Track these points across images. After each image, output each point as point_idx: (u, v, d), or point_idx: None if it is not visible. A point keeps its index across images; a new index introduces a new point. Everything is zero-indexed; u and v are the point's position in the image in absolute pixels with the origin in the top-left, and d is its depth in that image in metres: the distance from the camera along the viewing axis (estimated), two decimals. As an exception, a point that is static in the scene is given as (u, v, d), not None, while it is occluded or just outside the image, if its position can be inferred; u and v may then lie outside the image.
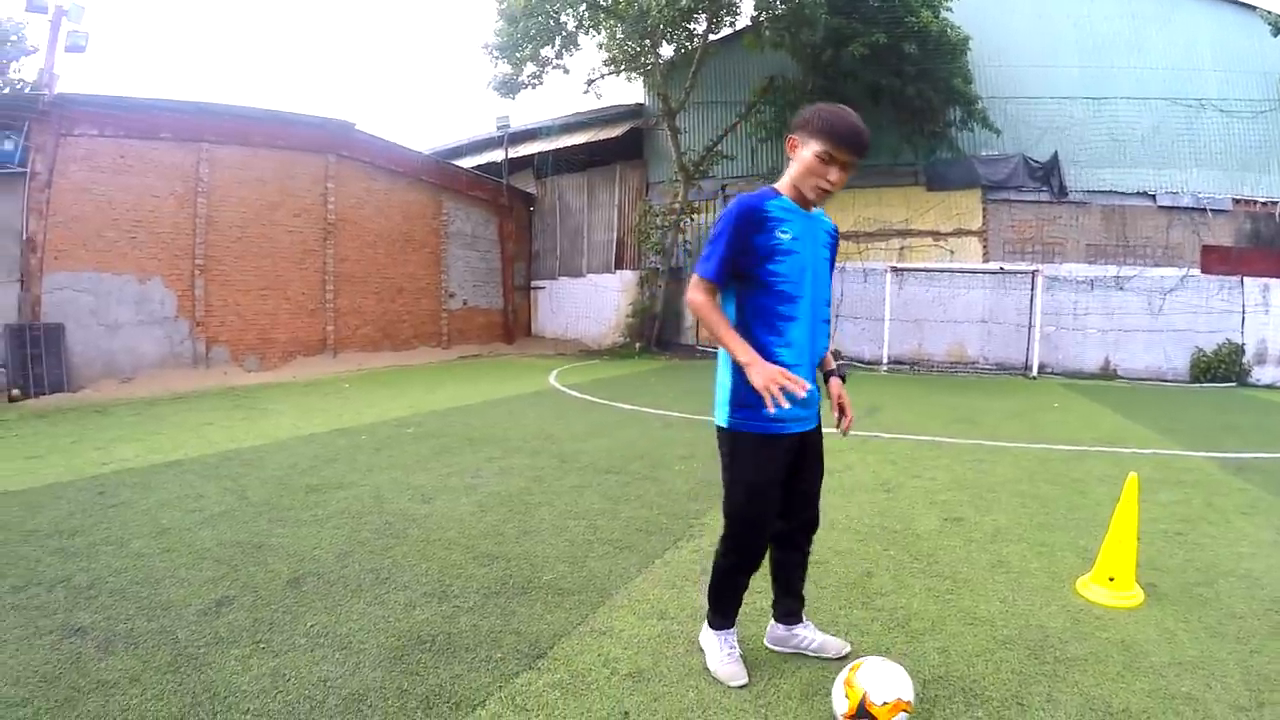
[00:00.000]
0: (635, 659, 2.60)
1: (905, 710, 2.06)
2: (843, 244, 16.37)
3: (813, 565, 3.27)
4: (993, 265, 15.11)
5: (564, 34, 16.52)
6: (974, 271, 15.27)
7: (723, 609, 2.43)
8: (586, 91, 18.13)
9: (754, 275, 2.17)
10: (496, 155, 21.65)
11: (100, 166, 11.21)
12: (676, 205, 17.31)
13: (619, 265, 20.40)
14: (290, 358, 14.00)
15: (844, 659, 2.44)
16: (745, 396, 2.16)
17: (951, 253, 15.70)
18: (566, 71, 17.35)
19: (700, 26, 16.44)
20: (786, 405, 2.02)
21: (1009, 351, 15.05)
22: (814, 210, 2.28)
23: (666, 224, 17.40)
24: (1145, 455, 6.50)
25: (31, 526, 4.15)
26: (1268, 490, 5.20)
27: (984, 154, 15.40)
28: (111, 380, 11.19)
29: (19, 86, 12.20)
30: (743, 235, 2.13)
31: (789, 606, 2.58)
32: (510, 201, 21.15)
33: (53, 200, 10.68)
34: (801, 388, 2.01)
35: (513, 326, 21.10)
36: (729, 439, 2.27)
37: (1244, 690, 2.39)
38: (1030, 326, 14.38)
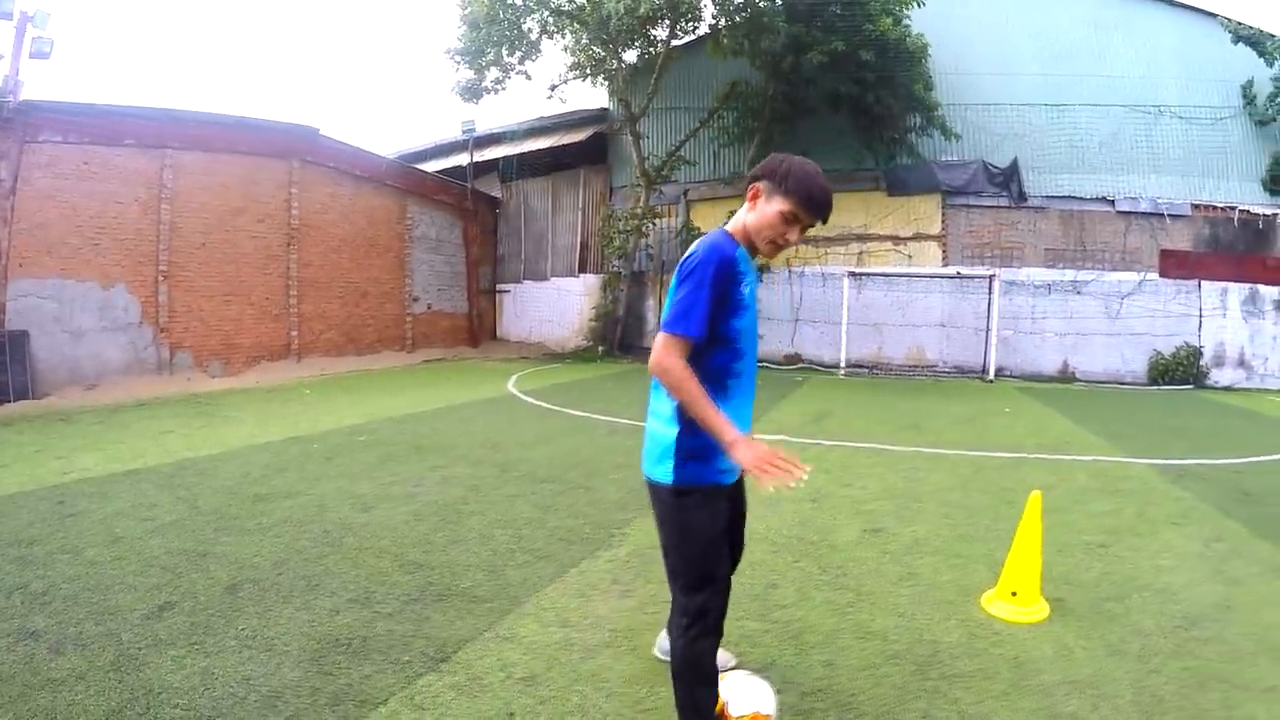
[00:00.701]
0: (531, 664, 2.84)
1: None
2: (802, 248, 16.90)
3: None
4: (950, 270, 15.60)
5: (526, 41, 16.75)
6: (932, 276, 15.73)
7: (701, 711, 2.10)
8: (550, 97, 18.41)
9: (716, 332, 2.02)
10: (462, 159, 21.83)
11: (64, 173, 11.29)
12: (638, 210, 17.66)
13: (582, 269, 20.70)
14: (254, 363, 14.17)
15: (732, 669, 2.52)
16: (694, 449, 2.02)
17: (909, 257, 16.18)
18: (529, 77, 17.61)
19: (662, 33, 16.75)
20: (791, 484, 1.86)
21: (967, 355, 15.55)
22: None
23: (629, 228, 17.75)
24: (1085, 462, 6.59)
25: None
26: (1203, 499, 5.22)
27: (944, 159, 15.84)
28: (76, 387, 11.31)
29: None
30: (723, 289, 1.99)
31: None
32: (475, 205, 21.34)
33: (16, 207, 10.75)
34: (800, 470, 1.85)
35: (477, 330, 21.27)
36: (674, 495, 2.06)
37: (1134, 712, 2.36)
38: (988, 330, 14.86)
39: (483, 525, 4.67)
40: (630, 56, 17.45)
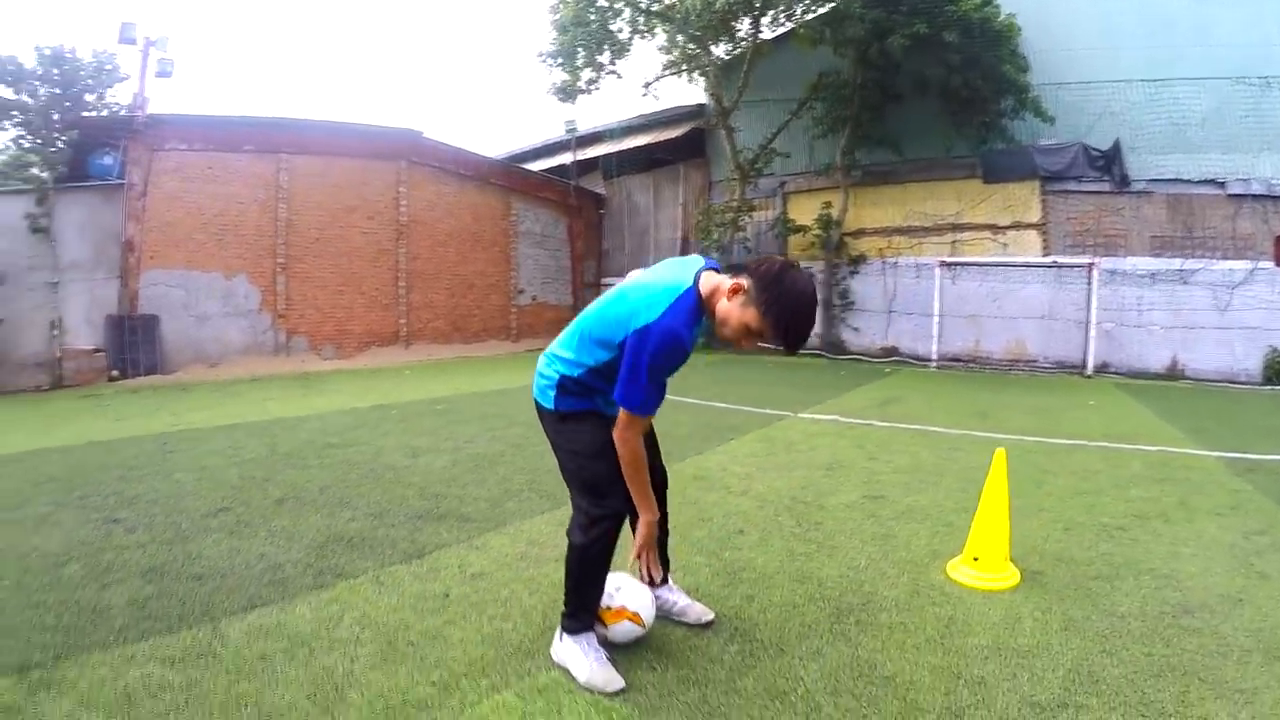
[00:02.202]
0: (484, 565, 3.27)
1: (630, 620, 2.35)
2: (895, 238, 16.58)
3: (696, 521, 3.89)
4: (1046, 259, 14.80)
5: (615, 41, 17.28)
6: (1027, 265, 14.93)
7: (585, 604, 2.30)
8: (645, 94, 18.87)
9: None
10: (566, 158, 22.71)
11: (189, 177, 12.92)
12: (734, 203, 17.79)
13: None
14: (365, 348, 15.47)
15: (704, 626, 2.59)
16: (574, 390, 2.28)
17: (1005, 245, 15.47)
18: (619, 77, 18.12)
19: (747, 27, 16.83)
20: (646, 579, 2.42)
21: (1069, 349, 14.60)
22: None
23: (725, 222, 17.90)
24: (1147, 452, 6.14)
25: (106, 463, 5.34)
26: (1263, 492, 4.80)
27: (1041, 143, 15.04)
28: (200, 365, 12.90)
29: (115, 110, 14.14)
30: (671, 367, 2.13)
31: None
32: (579, 202, 22.05)
33: (148, 207, 12.43)
34: (647, 574, 2.40)
35: None
36: (558, 419, 2.31)
37: (1057, 688, 2.19)
38: (1087, 323, 14.00)
39: (507, 472, 5.09)
40: (721, 51, 17.60)
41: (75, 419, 7.84)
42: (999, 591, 2.98)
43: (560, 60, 17.21)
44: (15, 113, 12.85)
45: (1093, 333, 13.55)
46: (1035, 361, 14.66)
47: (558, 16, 16.52)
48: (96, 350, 12.16)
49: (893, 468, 5.33)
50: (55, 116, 12.67)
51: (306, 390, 10.25)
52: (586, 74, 17.56)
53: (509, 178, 19.44)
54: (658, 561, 2.35)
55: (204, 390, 10.45)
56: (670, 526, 2.76)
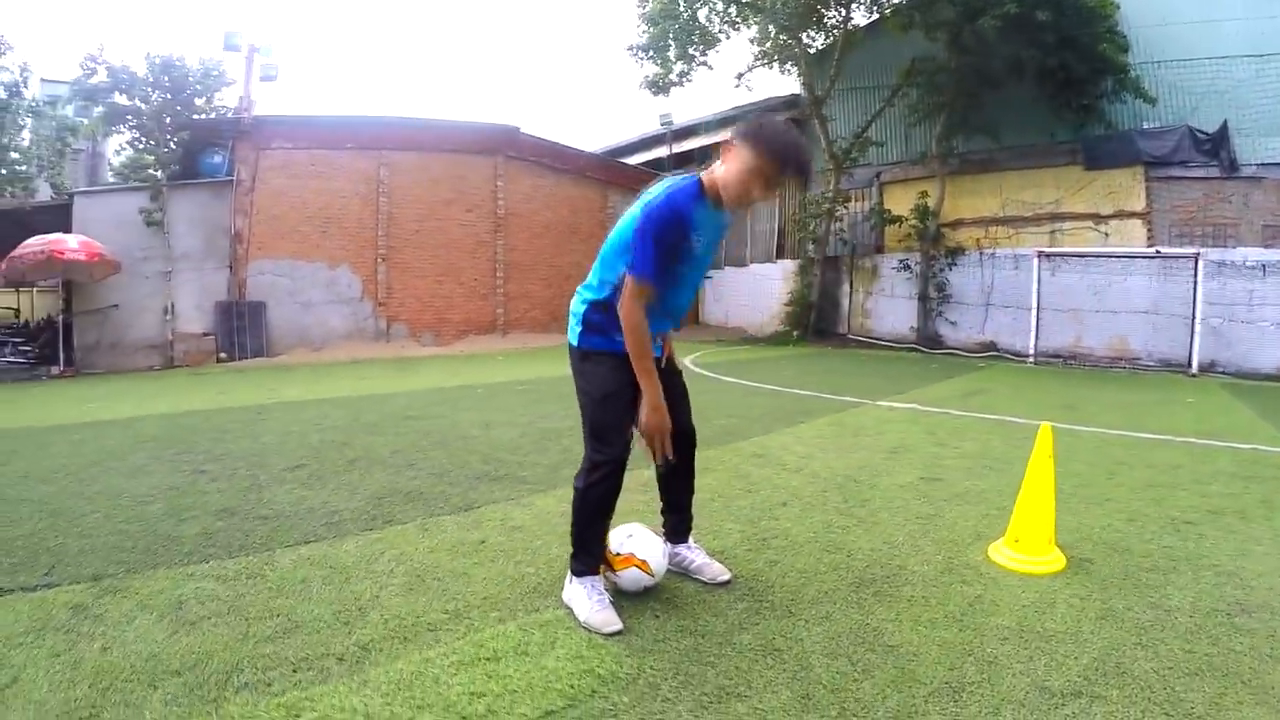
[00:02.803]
0: (525, 520, 3.39)
1: (639, 567, 2.39)
2: (993, 228, 15.80)
3: (742, 492, 3.89)
4: (1149, 249, 13.72)
5: (703, 33, 17.25)
6: (1129, 256, 13.85)
7: (587, 546, 2.35)
8: (738, 85, 18.77)
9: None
10: (662, 152, 22.85)
11: (294, 173, 13.92)
12: (829, 194, 17.44)
13: (780, 255, 20.60)
14: (463, 336, 16.12)
15: (722, 585, 2.58)
16: (597, 324, 2.34)
17: (1107, 235, 14.44)
18: (711, 69, 18.09)
19: (837, 15, 16.46)
20: (662, 459, 2.30)
21: (1175, 347, 13.36)
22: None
23: (820, 213, 17.57)
24: (1239, 449, 5.61)
25: (202, 427, 5.97)
26: None
27: (1144, 126, 13.98)
28: (304, 349, 13.88)
29: (223, 112, 15.33)
30: (671, 241, 2.19)
31: (673, 523, 2.69)
32: None
33: (255, 202, 13.50)
34: (670, 448, 2.31)
35: None
36: (580, 357, 2.39)
37: (1075, 675, 2.04)
38: (1192, 318, 12.87)
39: (570, 443, 5.18)
40: (814, 40, 17.26)
41: (181, 392, 8.75)
42: (1037, 575, 2.79)
43: (651, 53, 17.33)
44: (130, 118, 14.20)
45: (1198, 329, 12.40)
46: (1138, 359, 13.53)
47: (646, 9, 16.64)
48: (205, 334, 13.31)
49: (959, 454, 5.10)
50: (167, 120, 13.95)
51: (400, 372, 10.81)
52: (678, 66, 17.60)
53: (605, 171, 19.73)
54: (669, 447, 2.30)
55: (304, 371, 11.24)
56: (696, 487, 2.76)
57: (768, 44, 17.22)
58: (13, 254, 11.63)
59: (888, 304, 17.40)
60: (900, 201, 16.66)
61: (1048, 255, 14.17)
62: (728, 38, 17.53)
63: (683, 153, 22.69)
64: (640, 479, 3.26)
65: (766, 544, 3.08)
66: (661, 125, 22.61)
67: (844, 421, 6.41)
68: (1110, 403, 8.32)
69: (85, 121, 15.19)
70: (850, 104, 17.71)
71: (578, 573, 2.35)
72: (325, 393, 8.24)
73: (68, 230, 12.20)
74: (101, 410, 7.07)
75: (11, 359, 12.67)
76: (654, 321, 2.31)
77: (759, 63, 17.64)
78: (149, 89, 13.91)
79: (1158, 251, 13.12)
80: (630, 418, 2.32)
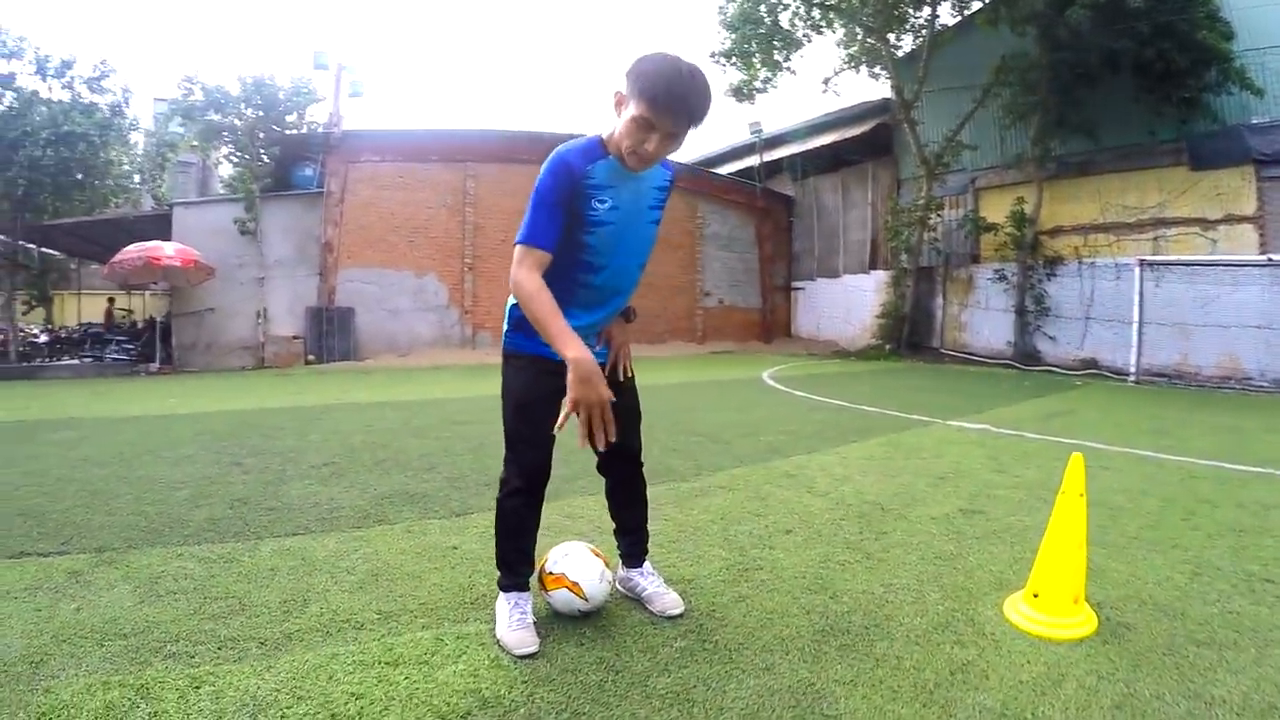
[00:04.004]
0: None
1: (569, 589, 2.25)
2: (1092, 235, 14.69)
3: (748, 516, 3.66)
4: (1261, 257, 12.29)
5: (785, 37, 16.94)
6: (1240, 265, 12.49)
7: (507, 560, 2.23)
8: (825, 91, 18.35)
9: (566, 240, 2.02)
10: (753, 161, 22.59)
11: (382, 185, 14.63)
12: (922, 201, 16.78)
13: (873, 265, 19.91)
14: (549, 348, 16.37)
15: (673, 619, 2.37)
16: (520, 320, 2.11)
17: (1215, 242, 13.09)
18: (794, 74, 17.76)
19: (923, 15, 15.83)
20: (594, 443, 1.94)
21: None
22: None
23: (913, 221, 16.91)
24: None
25: (260, 424, 6.38)
26: None
27: (1254, 121, 12.57)
28: (391, 354, 14.52)
29: (313, 128, 16.30)
30: (563, 197, 1.96)
31: (625, 546, 2.50)
32: (767, 204, 21.78)
33: (345, 213, 14.29)
34: (599, 439, 1.93)
35: (770, 325, 21.56)
36: (503, 358, 2.24)
37: None
38: None
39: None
40: (902, 42, 16.68)
41: (259, 391, 9.36)
42: (1054, 641, 2.30)
43: (734, 59, 17.19)
44: (225, 134, 15.26)
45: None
46: (1250, 379, 12.11)
47: (726, 15, 16.51)
48: (295, 337, 14.16)
49: (1015, 483, 4.60)
50: (260, 135, 14.96)
51: (472, 378, 11.11)
52: (762, 73, 17.38)
53: (694, 181, 19.68)
54: (611, 426, 1.92)
55: (382, 375, 11.76)
56: (649, 512, 2.57)
57: (854, 47, 16.77)
58: (115, 259, 12.84)
59: (983, 317, 16.47)
60: (996, 208, 15.77)
61: (1151, 264, 13.00)
62: (810, 41, 17.20)
63: (773, 162, 22.36)
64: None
65: (746, 576, 2.81)
66: (751, 134, 22.34)
67: (901, 441, 6.02)
68: (1208, 427, 7.46)
69: (184, 136, 16.54)
70: (941, 107, 16.93)
71: (502, 586, 2.24)
72: (390, 396, 8.58)
73: (168, 238, 13.30)
74: (179, 405, 7.69)
75: (115, 355, 13.96)
76: (583, 310, 2.11)
77: (846, 66, 17.21)
78: (243, 105, 15.01)
79: (1270, 259, 11.77)
80: (549, 430, 2.10)
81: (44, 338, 17.10)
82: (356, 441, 5.48)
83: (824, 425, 6.71)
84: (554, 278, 2.00)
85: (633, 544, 2.49)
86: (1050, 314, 14.96)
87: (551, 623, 2.27)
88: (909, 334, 17.11)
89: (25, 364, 14.02)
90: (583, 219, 1.99)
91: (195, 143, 16.66)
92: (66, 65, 15.04)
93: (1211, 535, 3.55)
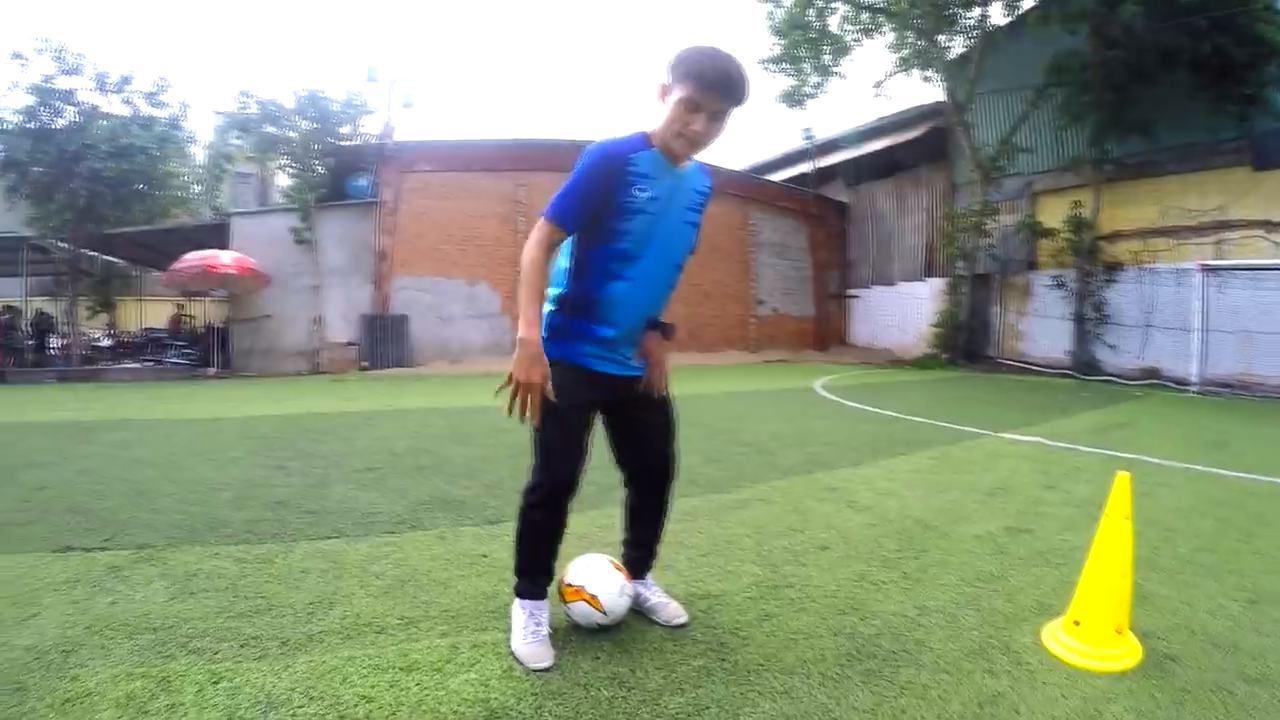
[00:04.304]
0: None
1: (587, 602, 2.22)
2: (1152, 240, 14.08)
3: (786, 531, 3.58)
4: None
5: (834, 41, 16.75)
6: None
7: (527, 566, 2.20)
8: (877, 95, 18.12)
9: (600, 227, 2.03)
10: (806, 167, 22.35)
11: (434, 195, 14.91)
12: (977, 206, 16.37)
13: (929, 272, 19.51)
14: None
15: (686, 631, 2.34)
16: (558, 326, 2.11)
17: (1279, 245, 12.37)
18: (844, 78, 17.58)
19: (972, 17, 15.48)
20: (513, 413, 1.97)
21: None
22: (685, 166, 2.10)
23: (968, 226, 16.50)
24: None
25: (309, 428, 6.55)
26: None
27: None
28: (443, 361, 14.78)
29: (366, 139, 16.71)
30: (599, 184, 1.97)
31: (631, 559, 2.46)
32: (820, 210, 21.48)
33: (398, 222, 14.60)
34: (534, 412, 1.98)
35: (825, 334, 21.26)
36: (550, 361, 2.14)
37: None
38: None
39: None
40: (953, 44, 16.32)
41: (311, 396, 9.63)
42: (1095, 672, 2.16)
43: (783, 65, 17.07)
44: (281, 146, 15.78)
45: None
46: None
47: (774, 21, 16.42)
48: (349, 344, 14.53)
49: (1066, 500, 4.40)
50: (315, 147, 15.36)
51: (524, 385, 11.16)
52: (813, 78, 17.23)
53: (746, 187, 19.57)
54: (535, 408, 1.97)
55: (435, 381, 11.98)
56: (665, 524, 2.53)
57: (905, 50, 16.49)
58: (173, 266, 13.38)
59: (1041, 325, 15.95)
60: (1053, 213, 15.27)
61: (1213, 269, 12.41)
62: (861, 45, 16.99)
63: (826, 168, 22.09)
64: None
65: (775, 594, 2.73)
66: (804, 140, 22.13)
67: (951, 455, 5.83)
68: (1272, 441, 7.08)
69: (242, 146, 17.16)
70: (995, 109, 16.49)
71: (518, 593, 2.20)
72: (440, 402, 8.73)
73: (225, 247, 13.80)
74: (232, 409, 7.94)
75: (175, 360, 14.52)
76: (619, 317, 2.10)
77: (897, 70, 16.92)
78: (296, 118, 15.50)
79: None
80: (584, 441, 2.14)
81: (107, 342, 17.93)
82: (401, 447, 5.57)
83: (872, 437, 6.57)
84: (595, 270, 2.06)
85: (642, 558, 2.48)
86: (1110, 321, 14.40)
87: (569, 635, 2.25)
88: (965, 342, 16.69)
89: (88, 367, 14.72)
90: (621, 206, 1.99)
91: (251, 154, 17.33)
92: (125, 81, 15.81)
93: (1271, 560, 3.32)
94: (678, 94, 1.92)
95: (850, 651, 2.24)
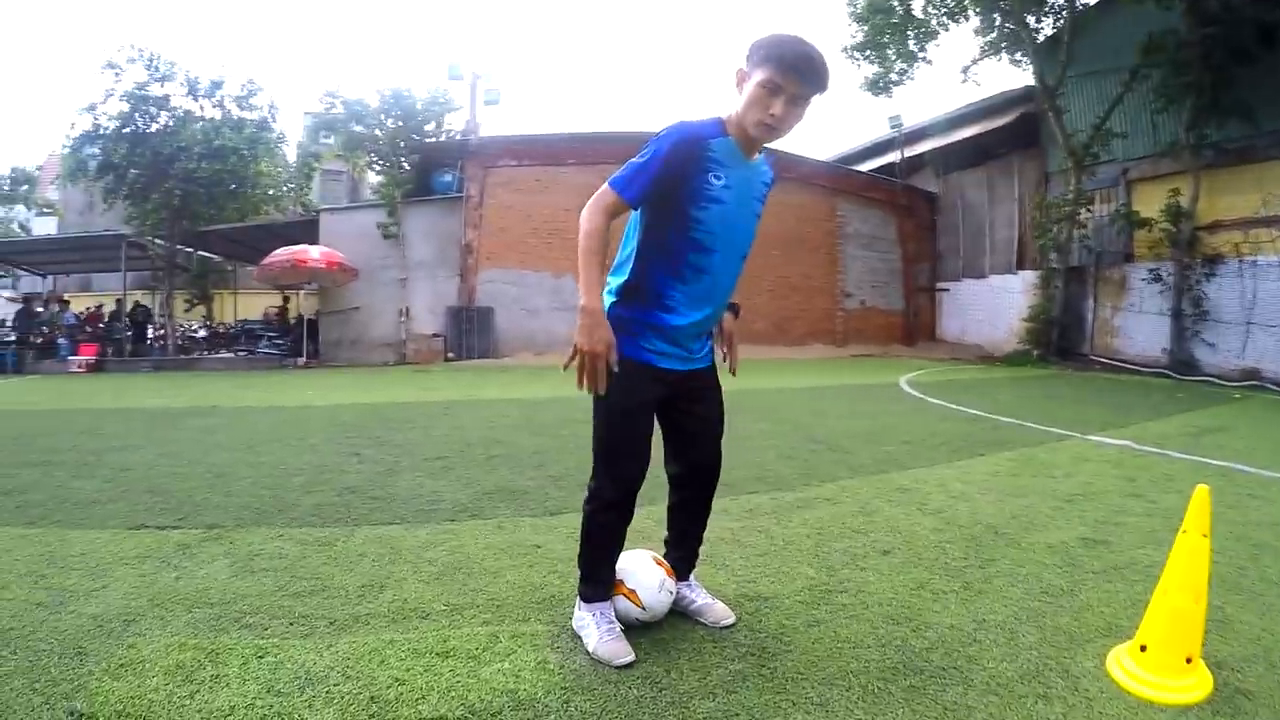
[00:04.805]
0: None
1: (626, 597, 2.20)
2: (1255, 230, 13.00)
3: (849, 533, 3.47)
4: None
5: (919, 25, 16.17)
6: None
7: (594, 571, 2.16)
8: (964, 80, 17.42)
9: (672, 211, 1.98)
10: (894, 157, 21.72)
11: (519, 189, 15.14)
12: (1071, 195, 15.56)
13: (1021, 265, 18.66)
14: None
15: (730, 634, 2.29)
16: (622, 319, 2.03)
17: None
18: (930, 63, 16.97)
19: None
20: (588, 387, 1.93)
21: None
22: (756, 158, 2.06)
23: (1061, 216, 15.70)
24: None
25: (388, 417, 6.85)
26: None
27: None
28: (528, 352, 15.10)
29: (451, 135, 17.09)
30: (676, 165, 1.92)
31: (673, 560, 2.38)
32: (909, 201, 20.77)
33: (484, 216, 14.89)
34: (601, 381, 1.91)
35: (914, 328, 20.67)
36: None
37: None
38: None
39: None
40: (1043, 25, 15.51)
41: (394, 386, 10.06)
42: (1158, 704, 1.95)
43: (867, 52, 16.61)
44: (367, 144, 16.32)
45: None
46: None
47: (857, 8, 15.97)
48: (435, 335, 14.99)
49: (1149, 509, 4.07)
50: (400, 144, 15.82)
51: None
52: (898, 65, 16.73)
53: (833, 178, 19.20)
54: (602, 380, 1.91)
55: (518, 373, 12.32)
56: (708, 523, 2.46)
57: (992, 33, 15.78)
58: (264, 261, 14.08)
59: (1136, 321, 15.00)
60: (1150, 201, 14.28)
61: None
62: (947, 29, 16.35)
63: (914, 157, 21.38)
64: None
65: (827, 599, 2.62)
66: (891, 128, 21.47)
67: (1033, 457, 5.53)
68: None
69: (331, 145, 17.89)
70: (1087, 92, 15.53)
71: (585, 598, 2.18)
72: (518, 394, 9.02)
73: (315, 242, 14.43)
74: (316, 397, 8.34)
75: (267, 350, 15.33)
76: (689, 305, 2.05)
77: (985, 54, 16.22)
78: (382, 117, 16.02)
79: None
80: (649, 440, 2.09)
81: (203, 333, 19.09)
82: (474, 436, 5.74)
83: (952, 436, 6.33)
84: (665, 257, 2.02)
85: (685, 558, 2.41)
86: (1209, 318, 13.40)
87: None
88: (1058, 339, 15.87)
89: (183, 356, 15.71)
90: (698, 193, 1.95)
91: (339, 153, 18.08)
92: (216, 85, 16.78)
93: (1375, 586, 3.00)
94: (757, 77, 1.88)
95: (897, 665, 2.12)
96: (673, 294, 2.03)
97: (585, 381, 1.91)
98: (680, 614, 2.36)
